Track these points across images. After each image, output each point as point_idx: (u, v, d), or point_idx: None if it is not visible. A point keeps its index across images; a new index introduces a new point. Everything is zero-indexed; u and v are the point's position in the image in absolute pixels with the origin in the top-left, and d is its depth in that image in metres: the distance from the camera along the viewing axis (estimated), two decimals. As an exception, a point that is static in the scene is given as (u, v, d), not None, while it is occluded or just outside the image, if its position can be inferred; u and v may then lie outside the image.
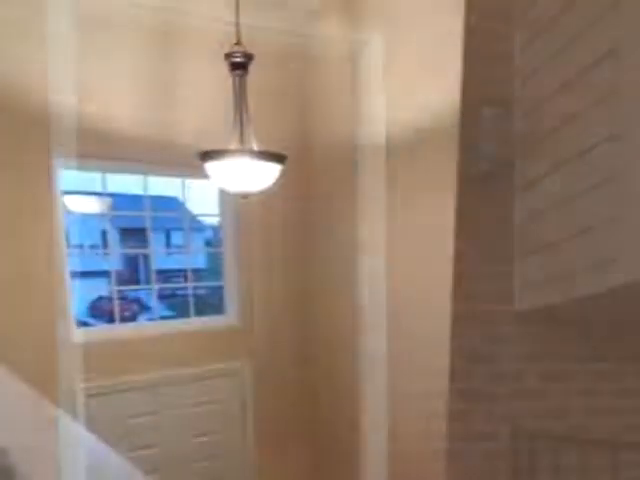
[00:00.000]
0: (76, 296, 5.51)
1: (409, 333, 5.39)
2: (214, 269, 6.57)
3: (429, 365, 5.13)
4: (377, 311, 5.73)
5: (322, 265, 6.37)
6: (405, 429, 5.53)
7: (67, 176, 5.39)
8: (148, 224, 5.95)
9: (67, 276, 5.27)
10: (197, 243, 14.82)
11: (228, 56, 4.33)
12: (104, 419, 5.47)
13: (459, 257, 2.64)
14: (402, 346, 5.45)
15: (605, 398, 3.31)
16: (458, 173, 2.48)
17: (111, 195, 5.93)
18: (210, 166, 4.32)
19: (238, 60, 4.35)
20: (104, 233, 8.91)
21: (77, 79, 5.11)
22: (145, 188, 5.79)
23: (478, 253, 3.02)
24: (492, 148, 2.94)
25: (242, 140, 4.51)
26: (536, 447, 3.12)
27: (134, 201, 6.36)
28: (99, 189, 5.63)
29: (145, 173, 5.71)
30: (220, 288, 6.33)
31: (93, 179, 5.60)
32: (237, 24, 4.22)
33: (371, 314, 5.81)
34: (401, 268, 5.43)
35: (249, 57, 4.37)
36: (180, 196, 6.11)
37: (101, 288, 17.66)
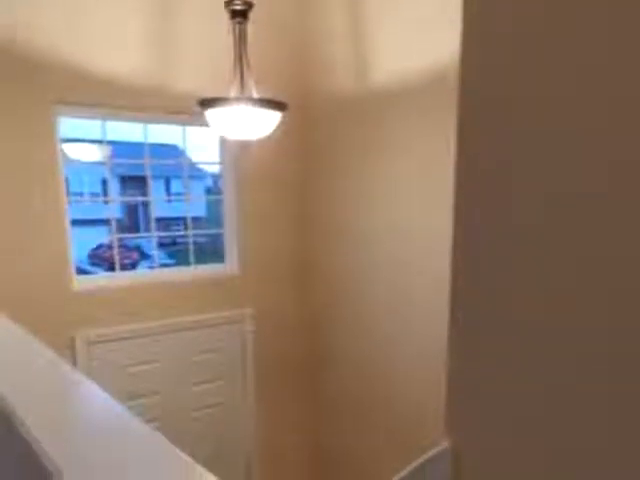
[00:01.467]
0: (76, 244, 5.51)
1: (411, 267, 5.42)
2: (214, 217, 6.56)
3: (431, 300, 5.17)
4: (377, 255, 5.75)
5: (323, 214, 6.36)
6: (406, 370, 5.57)
7: (67, 124, 5.36)
8: (148, 172, 5.93)
9: (67, 224, 5.27)
10: (197, 191, 14.85)
11: (228, 4, 4.31)
12: (104, 367, 5.50)
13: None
14: (404, 282, 5.48)
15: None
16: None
17: (111, 143, 5.89)
18: (210, 114, 4.31)
19: (238, 8, 4.32)
20: (104, 181, 8.93)
21: (78, 27, 5.07)
22: (145, 136, 5.77)
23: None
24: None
25: (242, 88, 4.50)
26: None
27: (134, 149, 6.33)
28: (99, 137, 5.60)
29: (145, 121, 5.67)
30: (220, 236, 6.34)
31: (93, 127, 5.57)
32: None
33: (371, 259, 5.83)
34: (402, 213, 5.44)
35: (249, 5, 4.34)
36: (180, 144, 6.07)
37: (101, 236, 17.76)
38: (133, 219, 23.13)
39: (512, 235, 1.98)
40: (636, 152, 1.49)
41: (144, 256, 19.69)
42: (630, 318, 1.66)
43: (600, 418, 1.76)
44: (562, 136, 1.86)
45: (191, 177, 6.97)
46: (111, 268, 6.06)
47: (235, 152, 5.94)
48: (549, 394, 1.89)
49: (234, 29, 4.46)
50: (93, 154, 7.56)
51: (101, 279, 5.80)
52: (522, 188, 1.94)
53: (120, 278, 5.68)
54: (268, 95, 4.57)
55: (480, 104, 2.08)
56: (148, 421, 1.60)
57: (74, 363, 5.22)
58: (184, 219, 6.44)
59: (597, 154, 1.65)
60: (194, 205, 7.07)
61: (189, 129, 5.96)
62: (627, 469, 1.73)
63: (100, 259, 18.29)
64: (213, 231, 6.49)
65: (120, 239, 6.18)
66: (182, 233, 6.69)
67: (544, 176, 1.87)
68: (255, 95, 4.44)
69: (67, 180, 5.43)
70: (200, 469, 1.34)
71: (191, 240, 6.21)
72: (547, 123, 1.88)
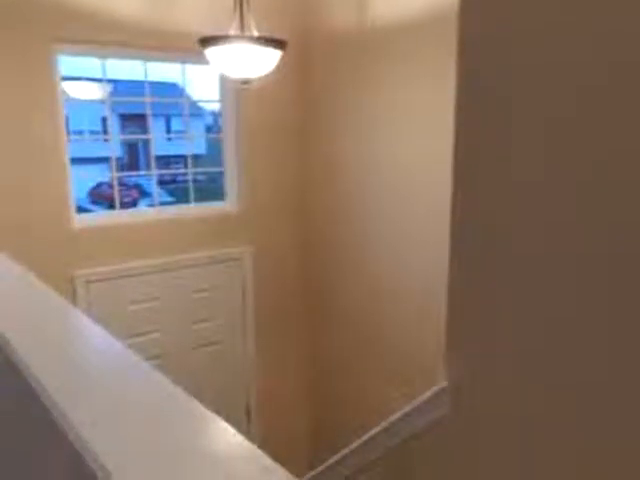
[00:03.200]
0: (76, 183, 5.50)
1: (409, 210, 5.43)
2: (214, 155, 6.55)
3: (432, 237, 5.18)
4: (378, 192, 5.75)
5: (323, 151, 6.35)
6: (407, 310, 5.60)
7: (66, 62, 5.32)
8: (148, 110, 5.90)
9: (67, 162, 5.25)
10: (197, 129, 14.76)
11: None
12: (104, 305, 5.53)
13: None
14: (406, 219, 5.50)
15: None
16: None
17: (111, 81, 5.86)
18: (210, 52, 4.28)
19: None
20: (104, 119, 8.85)
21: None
22: (145, 74, 5.73)
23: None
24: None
25: (242, 26, 4.45)
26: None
27: (134, 87, 6.31)
28: (99, 75, 5.57)
29: (145, 59, 5.63)
30: (220, 174, 6.32)
31: (93, 65, 5.53)
32: None
33: (371, 196, 5.83)
34: (403, 150, 5.43)
35: (249, -60, 4.28)
36: (180, 82, 6.04)
37: (101, 174, 17.71)
38: (133, 157, 23.07)
39: (512, 167, 1.98)
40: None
41: (144, 194, 19.68)
42: (630, 246, 1.67)
43: (600, 352, 1.78)
44: (556, 67, 1.85)
45: (191, 115, 6.94)
46: (111, 206, 6.05)
47: (235, 90, 5.91)
48: (549, 329, 1.91)
49: (234, -35, 4.40)
50: (93, 92, 7.51)
51: (101, 217, 5.80)
52: (521, 116, 1.94)
53: (120, 216, 5.68)
54: (268, 33, 4.53)
55: (480, 39, 2.07)
56: (148, 359, 1.61)
57: (74, 302, 5.24)
58: (184, 157, 6.43)
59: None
60: (194, 143, 7.05)
61: (189, 67, 5.92)
62: (625, 404, 1.75)
63: (100, 197, 18.27)
64: (213, 169, 6.48)
65: (120, 177, 6.18)
66: (182, 171, 6.68)
67: (542, 104, 1.87)
68: (255, 33, 4.40)
69: (67, 118, 5.40)
70: (200, 408, 1.36)
71: (191, 178, 6.21)
72: (543, 55, 1.88)
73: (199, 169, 7.35)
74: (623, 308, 1.71)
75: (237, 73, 4.44)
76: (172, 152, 12.68)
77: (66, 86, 5.74)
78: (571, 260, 1.82)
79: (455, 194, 2.20)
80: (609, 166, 1.70)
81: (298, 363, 7.00)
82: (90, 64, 5.56)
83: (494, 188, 2.04)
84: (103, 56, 5.41)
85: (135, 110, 7.94)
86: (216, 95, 6.24)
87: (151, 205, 6.42)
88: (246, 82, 4.53)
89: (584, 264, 1.78)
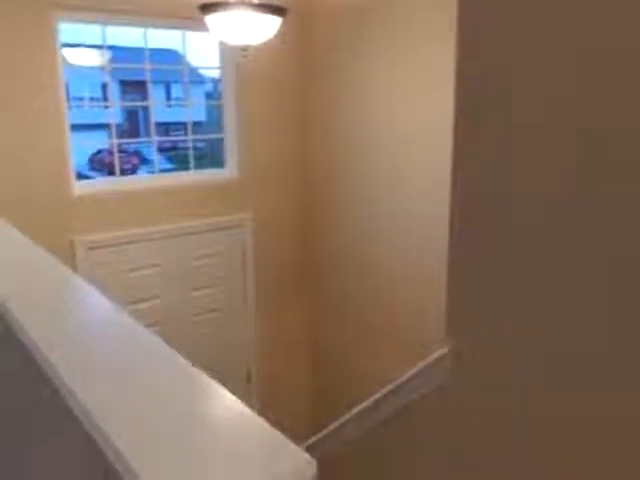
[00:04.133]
0: (76, 149, 5.49)
1: (408, 176, 5.43)
2: (214, 122, 6.53)
3: (431, 202, 5.18)
4: (378, 157, 5.75)
5: (323, 117, 6.33)
6: (406, 273, 5.62)
7: (67, 29, 5.29)
8: (148, 77, 5.88)
9: (67, 129, 5.24)
10: (197, 96, 14.69)
11: None
12: (104, 272, 5.54)
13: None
14: (405, 185, 5.50)
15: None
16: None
17: (111, 48, 5.83)
18: (210, 18, 4.26)
19: None
20: (104, 86, 8.81)
21: None
22: (145, 41, 5.70)
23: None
24: None
25: (242, -8, 4.42)
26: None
27: (134, 54, 6.27)
28: (99, 42, 5.54)
29: (145, 26, 5.60)
30: (220, 141, 6.31)
31: (93, 32, 5.50)
32: None
33: (371, 161, 5.83)
34: (400, 116, 5.43)
35: None
36: (180, 49, 6.01)
37: (101, 141, 17.62)
38: (133, 124, 22.95)
39: (512, 131, 1.98)
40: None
41: (144, 161, 19.62)
42: (631, 217, 1.67)
43: (599, 321, 1.78)
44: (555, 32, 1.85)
45: (191, 82, 6.91)
46: (111, 173, 6.05)
47: (235, 57, 5.88)
48: (549, 296, 1.92)
49: None
50: (93, 59, 7.48)
51: (101, 184, 5.80)
52: (521, 80, 1.94)
53: (120, 183, 5.68)
54: (268, 0, 4.51)
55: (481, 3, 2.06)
56: (148, 325, 1.62)
57: (74, 268, 5.25)
58: (184, 124, 6.41)
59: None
60: (194, 110, 7.03)
61: (189, 34, 5.90)
62: (624, 371, 1.76)
63: (100, 164, 18.21)
64: (213, 136, 6.46)
65: (120, 144, 6.16)
66: (182, 138, 6.66)
67: (541, 75, 1.87)
68: (255, 0, 4.38)
69: (67, 85, 5.39)
70: (201, 375, 1.36)
71: (191, 145, 6.20)
72: (541, 25, 1.87)
73: (199, 136, 7.33)
74: (623, 275, 1.71)
75: (237, 40, 4.42)
76: (172, 119, 12.61)
77: (66, 53, 5.72)
78: (572, 221, 1.82)
79: (456, 149, 2.20)
80: (610, 119, 1.70)
81: (298, 329, 7.03)
82: (90, 31, 5.53)
83: (495, 138, 2.04)
84: (103, 23, 5.38)
85: (135, 77, 7.89)
86: (216, 62, 6.22)
87: (151, 172, 6.42)
88: (246, 49, 4.52)
89: (584, 225, 1.79)
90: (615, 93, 1.68)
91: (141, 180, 6.23)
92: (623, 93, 1.66)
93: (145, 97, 6.09)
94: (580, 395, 1.87)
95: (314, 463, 1.02)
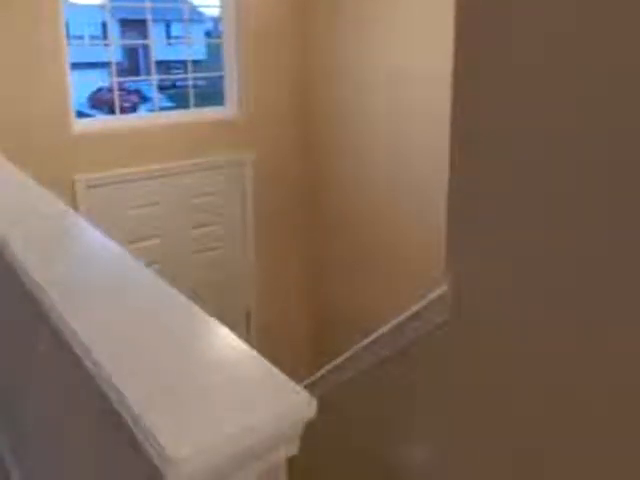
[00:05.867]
0: (76, 87, 5.45)
1: (408, 112, 5.42)
2: (214, 60, 6.48)
3: (431, 141, 5.16)
4: (378, 98, 5.72)
5: (323, 57, 6.28)
6: (408, 215, 5.62)
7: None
8: (148, 15, 5.82)
9: (67, 67, 5.20)
10: (197, 35, 14.54)
11: None
12: (104, 210, 5.53)
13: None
14: (405, 123, 5.49)
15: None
16: None
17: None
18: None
19: None
20: (104, 24, 8.73)
21: None
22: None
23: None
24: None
25: None
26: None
27: (134, -8, 6.21)
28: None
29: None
30: (220, 79, 6.27)
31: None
32: None
33: (371, 101, 5.80)
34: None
35: None
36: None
37: (101, 79, 17.49)
38: (133, 62, 22.78)
39: (512, 65, 1.96)
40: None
41: (144, 99, 19.50)
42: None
43: (600, 256, 1.78)
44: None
45: (191, 21, 6.86)
46: (111, 111, 6.02)
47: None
48: (550, 228, 1.90)
49: None
50: (93, -3, 7.41)
51: (101, 122, 5.79)
52: (522, 14, 1.91)
53: (120, 121, 5.66)
54: None
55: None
56: (148, 264, 1.61)
57: (74, 206, 5.24)
58: (184, 62, 6.36)
59: None
60: (194, 48, 6.97)
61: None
62: (625, 308, 1.75)
63: (100, 102, 18.09)
64: (214, 74, 6.41)
65: (120, 82, 6.12)
66: (182, 76, 6.61)
67: (542, 9, 1.84)
68: None
69: (67, 23, 5.33)
70: (201, 312, 1.36)
71: (191, 83, 6.16)
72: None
73: (199, 74, 7.28)
74: (624, 210, 1.70)
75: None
76: (172, 57, 12.52)
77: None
78: (572, 155, 1.81)
79: (456, 81, 2.18)
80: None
81: (297, 267, 7.04)
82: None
83: (495, 72, 2.03)
84: (102, -42, 5.32)
85: (135, 15, 7.83)
86: (216, 0, 6.16)
87: (151, 110, 6.39)
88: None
89: (585, 157, 1.78)
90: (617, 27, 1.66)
91: (141, 118, 6.21)
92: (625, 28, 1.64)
93: (145, 35, 6.04)
94: (581, 330, 1.87)
95: (314, 401, 1.02)
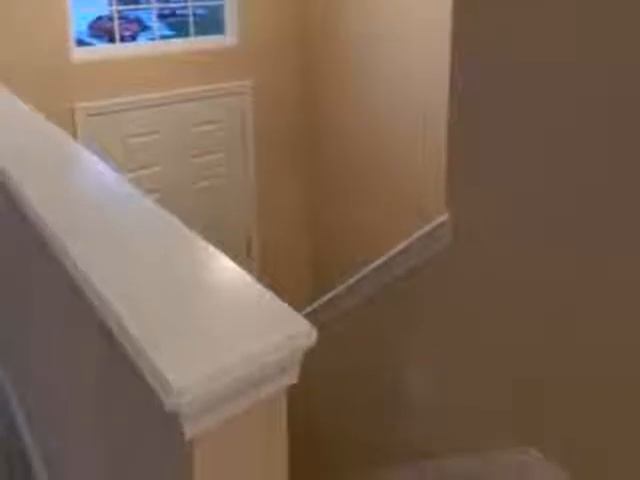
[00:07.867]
0: (75, 15, 5.39)
1: (406, 46, 5.39)
2: (214, -12, 6.40)
3: (431, 72, 5.14)
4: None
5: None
6: (407, 142, 5.60)
7: None
8: (147, -59, 5.75)
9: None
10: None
11: None
12: (104, 139, 5.52)
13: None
14: (404, 58, 5.46)
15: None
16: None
17: None
18: None
19: None
20: (102, -49, 8.59)
21: None
22: None
23: None
24: None
25: None
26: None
27: None
28: None
29: None
30: (221, 7, 6.20)
31: None
32: None
33: (371, 34, 5.77)
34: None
35: None
36: None
37: (101, 7, 17.30)
38: (133, -10, 22.53)
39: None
40: None
41: (144, 28, 19.30)
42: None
43: (600, 182, 1.77)
44: None
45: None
46: (111, 40, 5.96)
47: None
48: (550, 161, 1.90)
49: None
50: None
51: (101, 50, 5.75)
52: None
53: (120, 49, 5.63)
54: None
55: None
56: (147, 192, 1.61)
57: (74, 135, 5.22)
58: (184, -11, 6.28)
59: None
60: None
61: None
62: (623, 240, 1.75)
63: (100, 31, 17.92)
64: (214, 2, 6.33)
65: (120, 10, 6.05)
66: (182, 4, 6.53)
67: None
68: None
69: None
70: (201, 241, 1.36)
71: (191, 11, 6.09)
72: None
73: (198, 2, 7.19)
74: (624, 139, 1.70)
75: None
76: (172, -16, 12.37)
77: None
78: (572, 86, 1.80)
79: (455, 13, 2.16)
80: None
81: (298, 194, 7.04)
82: None
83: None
84: None
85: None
86: None
87: (151, 39, 6.33)
88: None
89: (584, 85, 1.77)
90: None
91: (141, 47, 6.15)
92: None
93: (145, -38, 5.97)
94: (580, 260, 1.87)
95: (314, 330, 1.02)
